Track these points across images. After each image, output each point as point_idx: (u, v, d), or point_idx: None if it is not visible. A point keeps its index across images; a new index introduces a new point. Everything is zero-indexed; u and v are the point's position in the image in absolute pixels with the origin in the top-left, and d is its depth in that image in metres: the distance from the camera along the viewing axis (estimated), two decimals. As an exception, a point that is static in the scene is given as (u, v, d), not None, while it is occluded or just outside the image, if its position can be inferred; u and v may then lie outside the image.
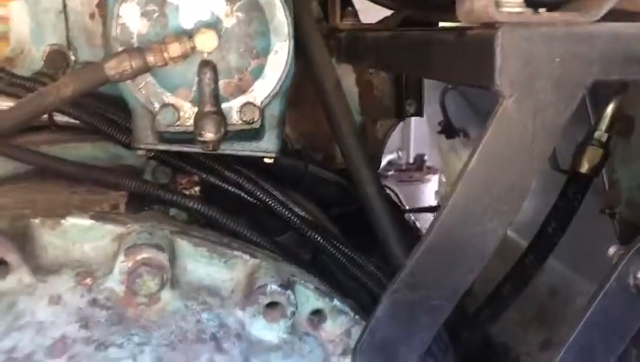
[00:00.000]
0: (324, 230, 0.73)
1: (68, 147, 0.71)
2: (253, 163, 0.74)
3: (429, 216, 1.72)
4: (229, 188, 0.71)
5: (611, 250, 0.59)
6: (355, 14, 0.86)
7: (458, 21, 0.48)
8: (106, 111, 0.72)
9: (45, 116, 0.74)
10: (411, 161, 3.33)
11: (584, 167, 0.74)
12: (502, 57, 0.44)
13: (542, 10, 0.46)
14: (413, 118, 1.44)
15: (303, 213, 0.73)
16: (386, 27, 0.87)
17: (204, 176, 0.70)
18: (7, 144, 0.64)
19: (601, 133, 0.73)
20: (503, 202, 0.47)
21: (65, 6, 0.83)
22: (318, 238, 0.70)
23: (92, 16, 0.85)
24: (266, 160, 0.64)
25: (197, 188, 0.70)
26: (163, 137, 0.60)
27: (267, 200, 0.71)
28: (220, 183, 0.71)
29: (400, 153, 3.42)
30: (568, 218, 0.74)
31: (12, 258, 0.44)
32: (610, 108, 0.71)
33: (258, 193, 0.71)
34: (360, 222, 0.74)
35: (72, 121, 0.74)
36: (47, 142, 0.72)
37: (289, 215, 0.71)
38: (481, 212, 0.47)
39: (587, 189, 0.74)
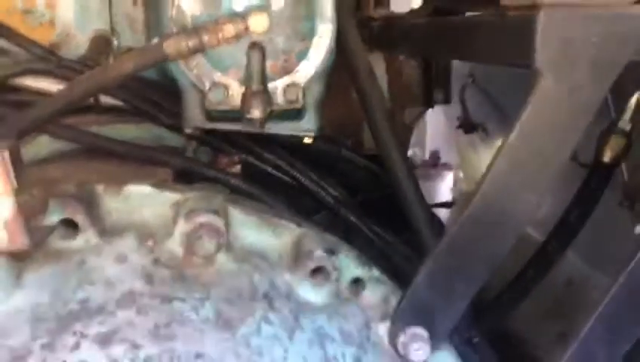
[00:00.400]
0: (357, 209, 0.76)
1: (115, 128, 0.75)
2: (290, 145, 0.77)
3: (445, 212, 1.74)
4: (267, 167, 0.75)
5: (638, 229, 0.61)
6: (387, 4, 0.89)
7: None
8: (149, 94, 0.76)
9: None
10: (426, 157, 3.35)
11: (607, 156, 0.77)
12: (542, 37, 0.47)
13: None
14: (428, 115, 1.47)
15: (336, 193, 0.76)
16: (417, 16, 0.90)
17: (244, 156, 0.74)
18: (59, 124, 0.68)
19: (625, 123, 0.75)
20: (539, 175, 0.50)
21: (110, -5, 0.88)
22: (352, 217, 0.74)
23: (135, 2, 0.89)
24: (306, 139, 0.68)
25: (237, 168, 0.73)
26: (211, 116, 0.63)
27: (302, 180, 0.74)
28: (258, 163, 0.75)
29: (416, 150, 3.45)
30: (590, 207, 0.77)
31: (80, 219, 0.47)
32: (634, 98, 0.74)
33: (294, 173, 0.75)
34: (386, 209, 0.77)
35: (115, 102, 0.78)
36: (95, 122, 0.76)
37: (323, 194, 0.74)
38: (519, 183, 0.50)
39: (609, 179, 0.77)
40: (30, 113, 0.60)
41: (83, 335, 0.41)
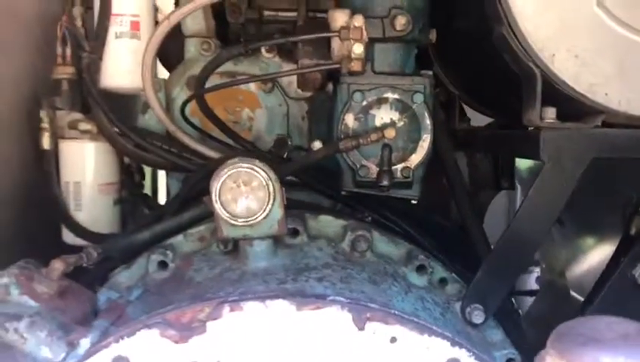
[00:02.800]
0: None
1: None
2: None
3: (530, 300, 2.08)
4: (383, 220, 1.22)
5: None
6: (468, 120, 1.39)
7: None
8: (314, 173, 1.27)
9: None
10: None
11: (633, 231, 1.15)
12: (543, 143, 0.93)
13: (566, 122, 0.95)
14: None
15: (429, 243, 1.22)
16: (487, 128, 1.39)
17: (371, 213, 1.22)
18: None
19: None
20: (545, 220, 0.94)
21: (288, 111, 1.42)
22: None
23: (303, 118, 1.43)
24: (412, 201, 1.15)
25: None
26: (358, 185, 1.13)
27: (407, 228, 1.21)
28: (379, 218, 1.23)
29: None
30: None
31: (300, 229, 0.97)
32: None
33: (401, 223, 1.21)
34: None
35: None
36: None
37: (420, 239, 1.20)
38: (533, 222, 0.95)
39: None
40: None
41: (308, 278, 0.89)
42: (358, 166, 1.11)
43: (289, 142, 1.40)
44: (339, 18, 1.04)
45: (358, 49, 1.02)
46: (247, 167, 0.89)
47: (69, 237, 1.37)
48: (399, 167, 1.10)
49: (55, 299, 0.83)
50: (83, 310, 0.86)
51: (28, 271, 0.85)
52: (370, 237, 0.99)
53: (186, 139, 1.29)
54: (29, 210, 1.43)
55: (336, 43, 1.04)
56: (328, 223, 1.01)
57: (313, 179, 1.24)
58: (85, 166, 1.37)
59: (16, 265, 0.88)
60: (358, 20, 1.02)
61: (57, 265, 0.85)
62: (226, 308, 0.71)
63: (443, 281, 1.02)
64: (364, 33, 1.02)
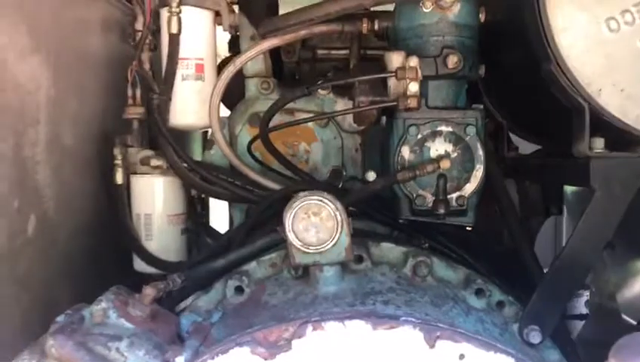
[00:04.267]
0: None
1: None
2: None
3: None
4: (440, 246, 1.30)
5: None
6: (516, 148, 1.46)
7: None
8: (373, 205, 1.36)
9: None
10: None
11: None
12: (593, 172, 1.00)
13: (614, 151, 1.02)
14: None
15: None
16: (536, 156, 1.46)
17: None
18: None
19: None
20: (598, 240, 1.01)
21: (342, 144, 1.52)
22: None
23: (357, 150, 1.53)
24: (467, 228, 1.23)
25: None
26: (414, 213, 1.21)
27: (461, 256, 1.28)
28: (435, 244, 1.30)
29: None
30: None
31: (364, 256, 1.06)
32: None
33: (457, 251, 1.29)
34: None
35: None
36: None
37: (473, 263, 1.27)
38: (587, 245, 1.01)
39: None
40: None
41: (375, 301, 0.97)
42: (414, 195, 1.19)
43: (344, 173, 1.50)
44: (395, 59, 1.14)
45: (414, 87, 1.11)
46: (317, 199, 0.99)
47: (140, 265, 1.48)
48: (454, 195, 1.19)
49: (148, 321, 0.94)
50: (171, 332, 0.96)
51: (123, 297, 0.96)
52: (430, 263, 1.07)
53: (249, 172, 1.40)
54: (101, 240, 1.55)
55: (392, 82, 1.14)
56: (390, 250, 1.10)
57: (371, 209, 1.33)
58: (155, 198, 1.49)
59: (110, 290, 0.99)
60: (413, 61, 1.12)
61: (149, 291, 0.96)
62: (309, 328, 0.80)
63: (500, 304, 1.09)
64: (419, 72, 1.12)
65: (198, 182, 1.42)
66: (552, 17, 0.98)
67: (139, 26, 1.47)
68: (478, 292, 1.06)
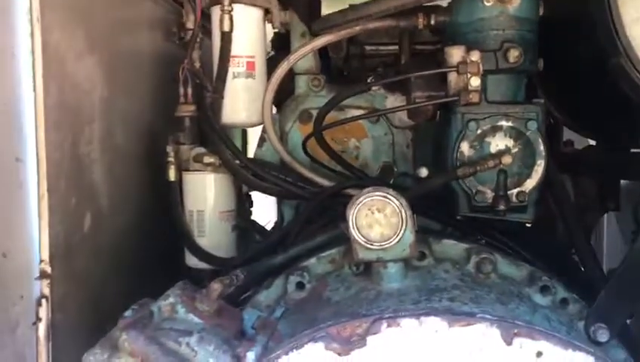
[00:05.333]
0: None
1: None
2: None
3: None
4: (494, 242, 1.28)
5: None
6: (572, 143, 1.44)
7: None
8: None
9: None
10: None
11: None
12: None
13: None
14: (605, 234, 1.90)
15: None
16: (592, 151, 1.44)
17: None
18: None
19: None
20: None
21: (393, 140, 1.52)
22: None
23: (407, 146, 1.52)
24: (527, 224, 1.21)
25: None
26: (474, 209, 1.20)
27: (517, 249, 1.26)
28: (491, 240, 1.29)
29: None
30: None
31: (427, 253, 1.05)
32: None
33: (515, 248, 1.27)
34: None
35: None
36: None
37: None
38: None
39: None
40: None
41: (440, 298, 0.96)
42: (474, 191, 1.18)
43: (394, 169, 1.49)
44: (455, 54, 1.13)
45: (475, 82, 1.10)
46: (381, 196, 0.98)
47: (192, 260, 1.50)
48: (514, 191, 1.17)
49: (215, 316, 0.94)
50: (237, 327, 0.96)
51: (190, 292, 0.97)
52: (494, 260, 1.06)
53: (301, 168, 1.40)
54: (153, 236, 1.57)
55: (453, 76, 1.13)
56: (451, 246, 1.09)
57: (426, 205, 1.32)
58: (207, 195, 1.50)
59: (177, 286, 1.00)
60: (475, 55, 1.10)
61: (216, 286, 0.96)
62: (384, 324, 0.80)
63: (565, 301, 1.07)
64: (481, 67, 1.10)
65: (251, 179, 1.43)
66: (623, 9, 0.96)
67: (189, 24, 1.49)
68: (544, 290, 1.05)
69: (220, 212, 1.51)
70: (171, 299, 0.95)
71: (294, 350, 0.80)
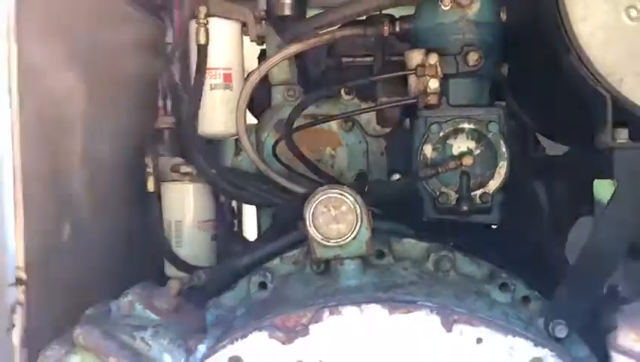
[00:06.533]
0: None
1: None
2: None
3: None
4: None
5: None
6: (543, 148, 1.45)
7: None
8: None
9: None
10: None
11: None
12: (617, 162, 0.99)
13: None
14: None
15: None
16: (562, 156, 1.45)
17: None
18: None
19: None
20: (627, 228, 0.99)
21: (367, 148, 1.54)
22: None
23: (382, 153, 1.54)
24: (492, 226, 1.22)
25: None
26: (438, 211, 1.21)
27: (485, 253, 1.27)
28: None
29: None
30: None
31: (386, 251, 1.07)
32: None
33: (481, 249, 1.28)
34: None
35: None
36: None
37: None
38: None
39: None
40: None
41: (395, 293, 0.97)
42: (437, 193, 1.20)
43: (369, 177, 1.51)
44: (415, 57, 1.15)
45: (434, 84, 1.13)
46: (337, 193, 1.00)
47: (171, 270, 1.52)
48: (478, 193, 1.19)
49: (172, 313, 0.96)
50: (196, 324, 0.98)
51: (148, 290, 0.99)
52: (453, 258, 1.07)
53: (276, 176, 1.43)
54: (134, 246, 1.60)
55: (412, 80, 1.16)
56: (412, 246, 1.10)
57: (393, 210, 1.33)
58: (184, 205, 1.53)
59: (137, 285, 1.02)
60: (433, 58, 1.13)
61: (173, 284, 0.98)
62: (326, 313, 0.81)
63: (526, 299, 1.07)
64: (439, 69, 1.13)
65: (226, 187, 1.46)
66: (570, 7, 0.98)
67: (168, 38, 1.53)
68: (503, 287, 1.05)
69: (199, 221, 1.53)
70: (130, 297, 0.97)
71: (239, 339, 0.82)
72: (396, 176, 1.35)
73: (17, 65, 1.21)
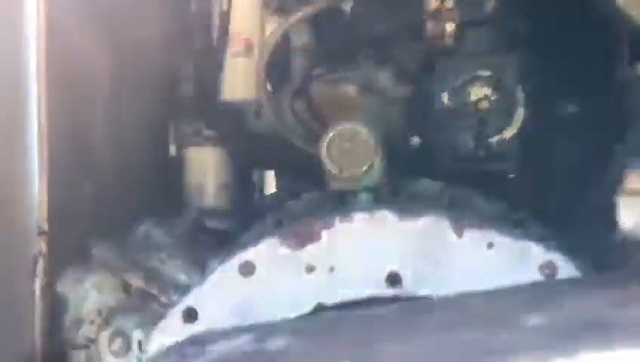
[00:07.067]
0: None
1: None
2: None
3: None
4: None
5: None
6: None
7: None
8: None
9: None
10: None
11: None
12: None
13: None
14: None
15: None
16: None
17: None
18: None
19: None
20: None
21: (386, 114, 1.55)
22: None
23: (401, 117, 1.55)
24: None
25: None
26: (455, 160, 1.22)
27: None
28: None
29: None
30: None
31: (401, 190, 1.07)
32: None
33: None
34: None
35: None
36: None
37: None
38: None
39: None
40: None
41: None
42: (454, 140, 1.20)
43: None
44: (432, 1, 1.17)
45: (450, 27, 1.14)
46: (352, 126, 1.02)
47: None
48: (495, 139, 1.19)
49: (187, 238, 0.98)
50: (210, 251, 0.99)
51: (164, 220, 1.01)
52: (468, 195, 1.07)
53: (297, 140, 1.44)
54: (154, 209, 1.62)
55: (430, 24, 1.17)
56: (427, 185, 1.11)
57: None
58: (207, 169, 1.55)
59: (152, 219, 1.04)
60: (450, 2, 1.15)
61: (190, 213, 1.00)
62: (337, 219, 0.82)
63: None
64: (456, 13, 1.14)
65: (247, 152, 1.48)
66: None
67: (192, 5, 1.57)
68: (517, 223, 1.04)
69: (221, 185, 1.55)
70: (145, 226, 0.99)
71: (251, 246, 0.83)
72: (416, 139, 1.35)
73: (45, 25, 1.26)
